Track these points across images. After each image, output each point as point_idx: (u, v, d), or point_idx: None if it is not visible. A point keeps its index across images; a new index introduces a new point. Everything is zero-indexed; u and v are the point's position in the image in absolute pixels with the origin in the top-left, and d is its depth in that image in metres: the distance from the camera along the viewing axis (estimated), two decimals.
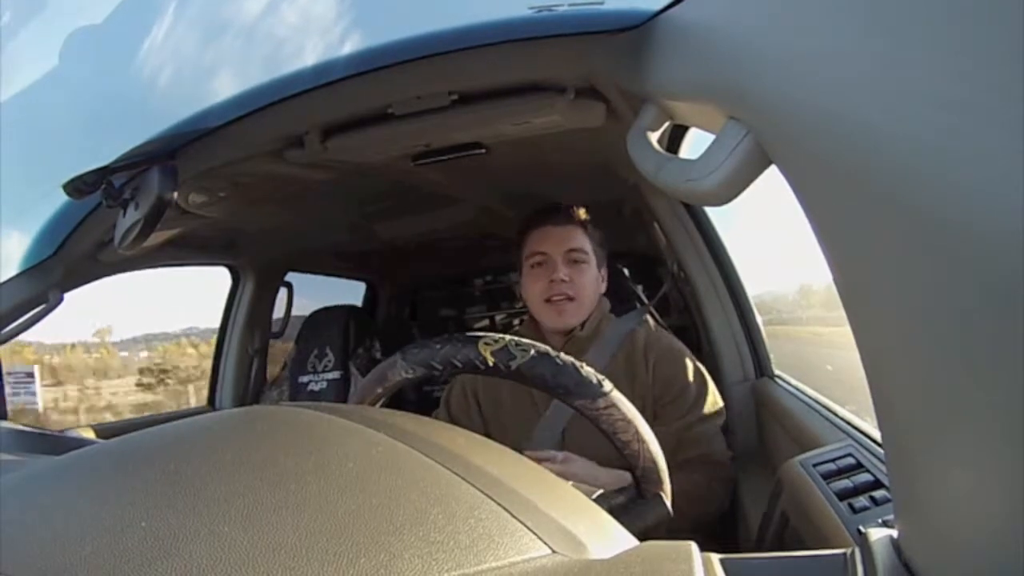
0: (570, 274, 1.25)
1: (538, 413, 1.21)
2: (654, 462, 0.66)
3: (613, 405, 0.65)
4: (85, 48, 0.97)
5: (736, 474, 1.20)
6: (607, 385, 0.65)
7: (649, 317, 1.39)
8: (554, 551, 0.33)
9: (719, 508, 1.16)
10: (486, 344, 0.67)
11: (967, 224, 0.24)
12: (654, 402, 1.20)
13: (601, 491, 0.67)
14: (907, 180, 0.27)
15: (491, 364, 0.66)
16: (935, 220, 0.25)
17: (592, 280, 1.29)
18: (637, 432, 0.65)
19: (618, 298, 1.44)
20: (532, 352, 0.65)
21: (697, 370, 1.25)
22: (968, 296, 0.24)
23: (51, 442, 0.70)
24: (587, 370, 0.66)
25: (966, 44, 0.25)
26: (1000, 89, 0.23)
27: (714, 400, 1.23)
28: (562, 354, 0.66)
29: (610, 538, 0.37)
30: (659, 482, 0.67)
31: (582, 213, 1.32)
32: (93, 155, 0.98)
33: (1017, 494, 0.24)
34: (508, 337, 0.67)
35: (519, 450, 0.49)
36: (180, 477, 0.36)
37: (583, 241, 1.29)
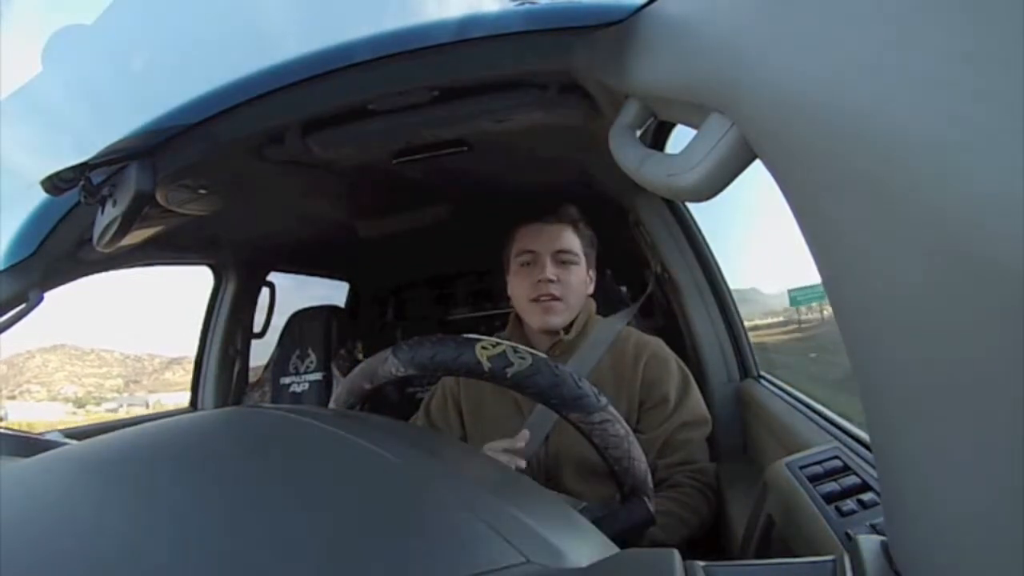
0: (558, 274, 1.23)
1: (522, 418, 1.19)
2: (644, 481, 0.67)
3: (608, 420, 0.64)
4: (66, 45, 0.95)
5: (720, 483, 1.18)
6: (603, 400, 0.65)
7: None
8: (528, 560, 0.31)
9: (703, 523, 1.10)
10: (483, 348, 0.65)
11: (958, 218, 0.23)
12: (639, 406, 1.19)
13: (584, 505, 0.68)
14: (895, 173, 0.26)
15: (487, 369, 0.64)
16: (925, 214, 0.24)
17: (580, 281, 1.27)
18: (629, 450, 0.65)
19: (604, 299, 1.43)
20: (529, 361, 0.64)
21: (683, 376, 1.23)
22: (961, 294, 0.23)
23: (25, 444, 0.69)
24: (585, 383, 0.65)
25: (954, 36, 0.24)
26: (994, 80, 0.22)
27: (698, 409, 1.21)
28: (560, 365, 0.65)
29: (588, 545, 0.36)
30: (644, 496, 0.68)
31: (574, 211, 1.30)
32: (71, 151, 0.96)
33: (1010, 500, 0.23)
34: (506, 343, 0.65)
35: None
36: (155, 479, 0.36)
37: (573, 241, 1.27)
